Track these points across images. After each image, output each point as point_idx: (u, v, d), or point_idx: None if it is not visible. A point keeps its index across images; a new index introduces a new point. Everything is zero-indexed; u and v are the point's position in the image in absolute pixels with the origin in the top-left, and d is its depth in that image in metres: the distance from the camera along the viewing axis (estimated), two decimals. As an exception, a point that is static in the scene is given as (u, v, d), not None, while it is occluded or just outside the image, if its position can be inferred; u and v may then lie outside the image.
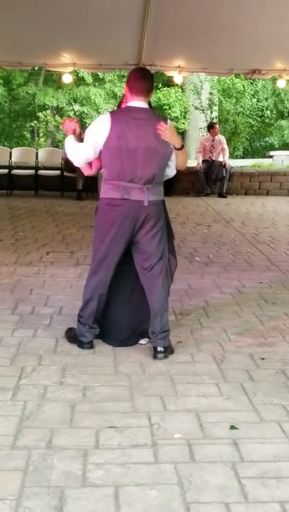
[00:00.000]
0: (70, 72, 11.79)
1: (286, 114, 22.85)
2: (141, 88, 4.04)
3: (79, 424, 3.19)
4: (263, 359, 4.14)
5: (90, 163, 4.22)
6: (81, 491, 2.62)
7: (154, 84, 4.29)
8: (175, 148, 4.05)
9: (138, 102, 4.05)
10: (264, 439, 3.08)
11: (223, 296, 5.62)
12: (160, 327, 4.13)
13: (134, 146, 3.94)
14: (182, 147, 4.12)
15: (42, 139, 23.20)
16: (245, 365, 4.03)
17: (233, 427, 3.19)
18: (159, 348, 4.10)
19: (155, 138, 3.95)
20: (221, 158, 12.99)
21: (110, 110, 4.38)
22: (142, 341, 4.31)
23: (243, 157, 20.62)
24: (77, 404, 3.41)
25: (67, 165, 12.51)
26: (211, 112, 17.45)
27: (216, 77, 17.44)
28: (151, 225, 4.07)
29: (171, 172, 4.21)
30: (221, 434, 3.12)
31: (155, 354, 4.10)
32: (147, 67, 10.98)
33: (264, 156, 20.63)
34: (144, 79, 4.07)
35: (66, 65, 11.21)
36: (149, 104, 4.17)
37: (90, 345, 4.24)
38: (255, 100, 20.90)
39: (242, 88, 19.98)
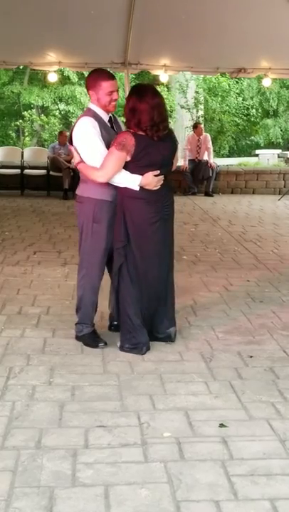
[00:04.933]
0: (55, 71, 11.76)
1: (271, 113, 22.95)
2: None
3: (68, 424, 3.18)
4: (251, 357, 4.15)
5: None
6: (71, 490, 2.62)
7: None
8: None
9: None
10: (253, 437, 3.09)
11: (211, 294, 5.62)
12: None
13: None
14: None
15: (27, 138, 23.10)
16: (234, 363, 4.04)
17: (222, 425, 3.19)
18: None
19: None
20: (206, 157, 13.03)
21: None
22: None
23: (229, 156, 20.66)
24: (66, 404, 3.39)
25: (54, 164, 12.50)
26: (197, 111, 17.47)
27: (202, 75, 17.46)
28: None
29: None
30: (210, 432, 3.12)
31: None
32: (133, 65, 11.04)
33: (250, 155, 20.71)
34: None
35: (51, 63, 11.19)
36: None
37: None
38: (240, 99, 20.96)
39: (227, 87, 20.04)
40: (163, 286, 4.30)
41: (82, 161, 4.10)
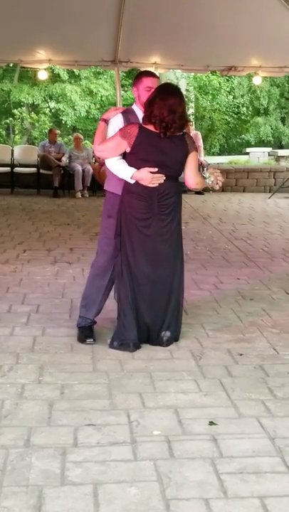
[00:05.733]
0: (45, 69, 11.73)
1: (262, 111, 22.98)
2: None
3: (57, 423, 3.17)
4: (241, 355, 4.15)
5: None
6: (60, 489, 2.60)
7: (131, 81, 4.34)
8: None
9: None
10: (243, 435, 3.09)
11: (202, 292, 5.62)
12: None
13: None
14: None
15: (17, 136, 23.05)
16: (224, 361, 4.03)
17: (212, 423, 3.19)
18: None
19: None
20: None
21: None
22: None
23: (219, 154, 20.69)
24: (56, 403, 3.38)
25: (44, 162, 12.46)
26: (188, 109, 17.48)
27: (192, 73, 17.48)
28: None
29: None
30: (200, 430, 3.12)
31: None
32: (123, 63, 11.03)
33: (240, 153, 20.73)
34: None
35: (41, 61, 11.16)
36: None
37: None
38: (231, 97, 21.01)
39: (218, 85, 20.06)
40: (163, 288, 4.22)
41: (106, 120, 4.24)
